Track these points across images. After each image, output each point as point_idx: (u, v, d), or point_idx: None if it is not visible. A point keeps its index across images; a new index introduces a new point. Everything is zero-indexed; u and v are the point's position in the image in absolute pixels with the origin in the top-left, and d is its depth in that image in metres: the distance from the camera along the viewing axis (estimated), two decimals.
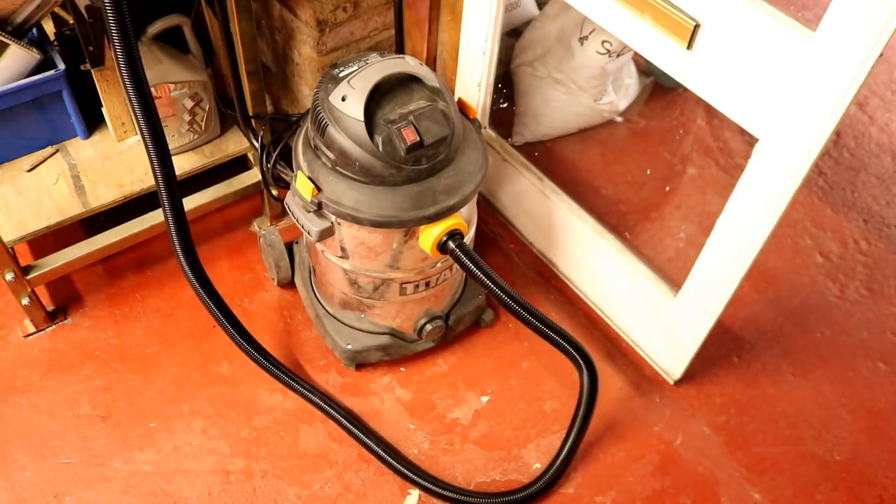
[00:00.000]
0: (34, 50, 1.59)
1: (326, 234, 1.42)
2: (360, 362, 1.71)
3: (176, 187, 1.39)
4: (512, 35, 2.23)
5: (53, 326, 1.76)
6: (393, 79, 1.33)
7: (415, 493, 1.54)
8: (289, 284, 1.83)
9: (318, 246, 1.53)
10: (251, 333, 1.60)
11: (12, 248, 1.61)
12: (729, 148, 2.22)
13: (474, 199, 1.49)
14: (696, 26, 1.23)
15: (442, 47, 1.87)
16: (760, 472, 1.60)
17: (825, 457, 1.63)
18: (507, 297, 1.38)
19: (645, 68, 2.33)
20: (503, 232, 2.00)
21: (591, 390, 1.49)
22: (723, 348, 1.79)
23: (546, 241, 1.91)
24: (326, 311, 1.70)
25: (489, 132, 1.90)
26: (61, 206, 1.67)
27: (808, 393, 1.73)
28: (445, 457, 1.60)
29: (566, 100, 2.12)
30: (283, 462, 1.58)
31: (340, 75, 1.33)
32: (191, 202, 1.76)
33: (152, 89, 1.64)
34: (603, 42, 2.01)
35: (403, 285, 1.54)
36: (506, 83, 2.23)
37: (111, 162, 1.76)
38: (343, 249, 1.49)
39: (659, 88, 2.34)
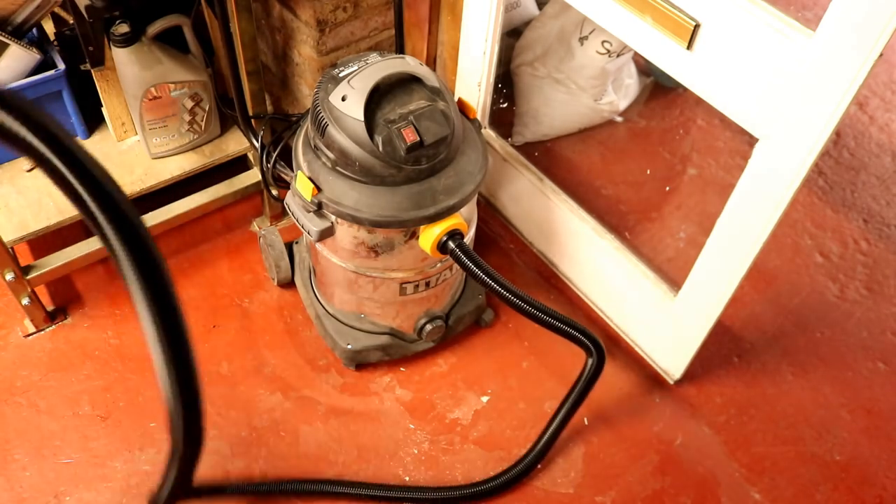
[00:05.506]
0: (34, 50, 1.59)
1: (326, 234, 1.42)
2: (360, 362, 1.71)
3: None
4: (512, 35, 2.23)
5: (53, 326, 1.76)
6: (393, 79, 1.33)
7: None
8: (289, 284, 1.83)
9: (318, 246, 1.53)
10: (251, 333, 1.59)
11: (12, 248, 1.61)
12: (729, 148, 2.22)
13: (474, 199, 1.49)
14: (696, 26, 1.23)
15: (442, 47, 1.87)
16: (760, 472, 1.60)
17: (825, 457, 1.63)
18: (509, 294, 1.38)
19: (645, 68, 2.33)
20: (503, 232, 2.00)
21: (596, 372, 1.50)
22: (723, 348, 1.79)
23: (546, 241, 1.91)
24: (326, 311, 1.70)
25: (489, 132, 1.90)
26: (61, 206, 1.66)
27: (808, 393, 1.73)
28: (445, 457, 1.60)
29: (566, 100, 2.12)
30: (283, 462, 1.58)
31: (340, 75, 1.33)
32: (191, 202, 1.76)
33: (152, 89, 1.65)
34: (603, 42, 2.02)
35: (403, 285, 1.54)
36: (506, 83, 2.23)
37: (111, 162, 1.76)
38: (343, 249, 1.49)
39: (659, 88, 2.34)
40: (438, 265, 1.54)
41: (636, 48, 1.37)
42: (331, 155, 1.34)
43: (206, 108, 1.76)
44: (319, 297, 1.72)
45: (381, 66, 1.32)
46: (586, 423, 1.65)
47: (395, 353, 1.69)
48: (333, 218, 1.41)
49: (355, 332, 1.66)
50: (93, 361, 1.71)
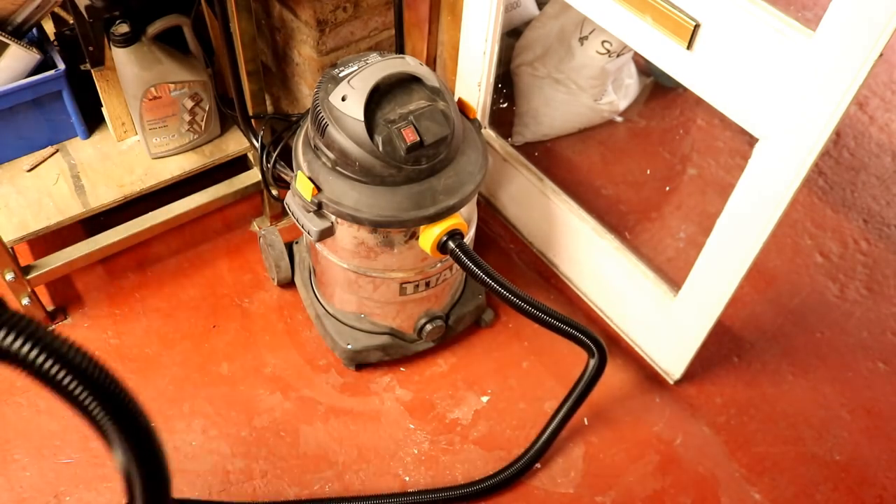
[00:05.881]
0: (34, 50, 1.59)
1: (326, 234, 1.42)
2: (360, 362, 1.71)
3: None
4: (512, 35, 2.23)
5: (53, 326, 1.76)
6: (393, 79, 1.33)
7: None
8: (289, 284, 1.83)
9: (318, 246, 1.53)
10: (251, 333, 1.59)
11: (12, 248, 1.61)
12: (729, 148, 2.22)
13: (474, 199, 1.49)
14: (696, 26, 1.23)
15: (442, 47, 1.87)
16: (760, 472, 1.60)
17: (825, 457, 1.63)
18: (509, 294, 1.38)
19: (645, 68, 2.33)
20: (503, 232, 2.00)
21: (598, 372, 1.50)
22: (723, 348, 1.79)
23: (546, 241, 1.91)
24: (326, 311, 1.70)
25: (489, 132, 1.90)
26: (61, 206, 1.67)
27: (808, 393, 1.73)
28: (445, 457, 1.60)
29: (566, 100, 2.12)
30: (283, 462, 1.58)
31: (340, 75, 1.33)
32: (191, 202, 1.76)
33: (152, 89, 1.65)
34: (603, 42, 2.02)
35: (403, 285, 1.54)
36: (506, 83, 2.23)
37: (111, 162, 1.76)
38: (343, 249, 1.49)
39: (659, 88, 2.34)
40: (438, 265, 1.54)
41: (636, 48, 1.37)
42: (331, 155, 1.34)
43: (206, 108, 1.76)
44: (319, 297, 1.72)
45: (381, 66, 1.32)
46: (586, 423, 1.65)
47: (395, 353, 1.69)
48: (333, 218, 1.41)
49: (355, 332, 1.66)
50: None
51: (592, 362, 1.49)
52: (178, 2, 1.66)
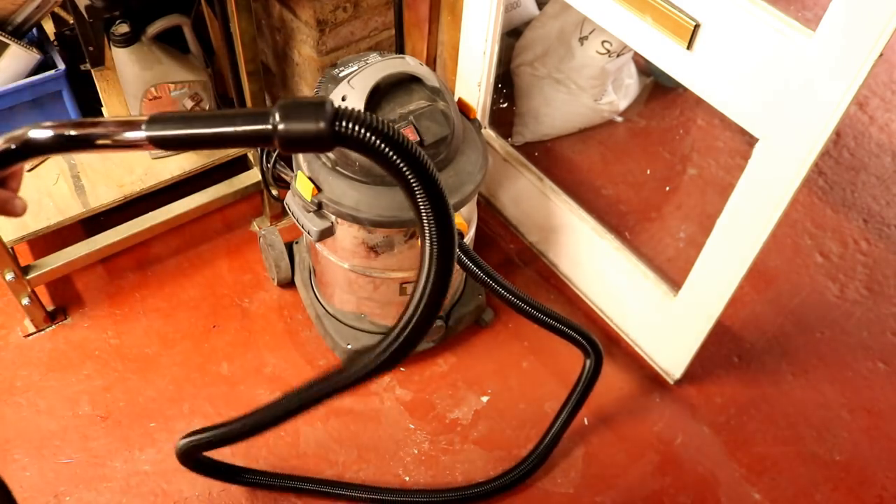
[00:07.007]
0: (34, 50, 1.59)
1: (326, 234, 1.42)
2: None
3: None
4: (512, 35, 2.23)
5: (53, 326, 1.76)
6: (393, 79, 1.33)
7: None
8: (289, 284, 1.83)
9: (318, 246, 1.53)
10: (251, 333, 1.59)
11: (12, 248, 1.61)
12: (729, 148, 2.22)
13: (474, 199, 1.49)
14: (696, 26, 1.23)
15: (442, 47, 1.87)
16: (760, 472, 1.60)
17: (825, 457, 1.63)
18: (509, 294, 1.38)
19: (645, 68, 2.33)
20: (503, 232, 2.00)
21: (595, 373, 1.50)
22: (723, 348, 1.79)
23: (546, 241, 1.91)
24: (326, 311, 1.70)
25: (489, 132, 1.90)
26: (61, 206, 1.67)
27: (808, 393, 1.73)
28: (445, 457, 1.60)
29: (566, 100, 2.12)
30: (283, 462, 1.58)
31: (340, 75, 1.33)
32: (191, 202, 1.77)
33: (152, 89, 1.65)
34: (603, 42, 2.01)
35: (403, 285, 1.54)
36: (506, 83, 2.23)
37: (111, 162, 1.76)
38: (343, 249, 1.49)
39: (659, 88, 2.34)
40: None
41: (636, 48, 1.37)
42: (331, 155, 1.34)
43: (206, 108, 1.76)
44: (319, 297, 1.72)
45: (381, 66, 1.32)
46: (586, 423, 1.65)
47: None
48: (333, 218, 1.41)
49: (355, 332, 1.66)
50: (93, 361, 1.71)
51: (589, 362, 1.50)
52: (178, 2, 1.66)
